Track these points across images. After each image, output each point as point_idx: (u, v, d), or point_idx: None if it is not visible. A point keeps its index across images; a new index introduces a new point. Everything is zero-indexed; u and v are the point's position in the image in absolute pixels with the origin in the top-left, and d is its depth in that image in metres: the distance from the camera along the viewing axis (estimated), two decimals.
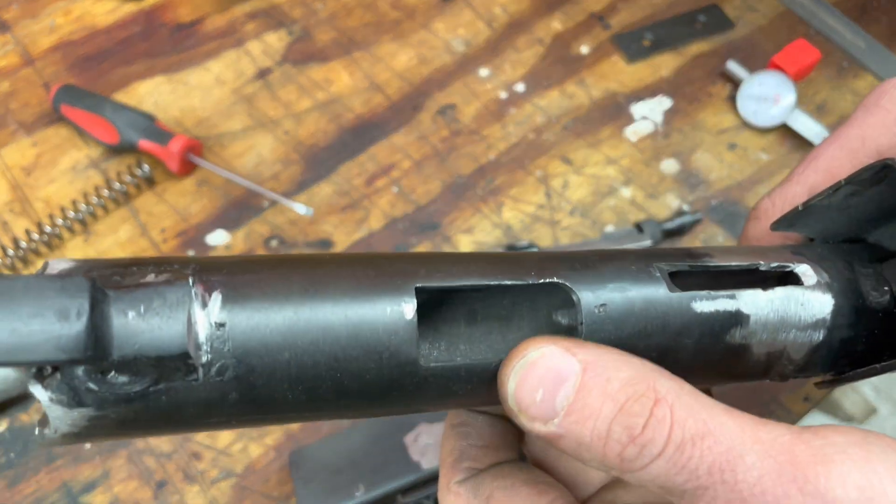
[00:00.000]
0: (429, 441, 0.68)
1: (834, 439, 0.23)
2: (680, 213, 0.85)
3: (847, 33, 0.97)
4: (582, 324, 0.28)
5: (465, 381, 0.27)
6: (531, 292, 0.31)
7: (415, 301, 0.26)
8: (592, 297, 0.28)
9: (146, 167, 0.85)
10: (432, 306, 0.31)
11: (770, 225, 0.35)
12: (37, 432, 0.24)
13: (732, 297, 0.30)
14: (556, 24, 0.99)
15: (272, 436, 0.73)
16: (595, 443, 0.26)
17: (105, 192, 0.84)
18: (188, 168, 0.87)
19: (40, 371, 0.22)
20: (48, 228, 0.82)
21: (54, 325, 0.20)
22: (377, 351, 0.25)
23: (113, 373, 0.23)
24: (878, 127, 0.35)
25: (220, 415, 0.25)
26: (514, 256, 0.29)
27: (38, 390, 0.22)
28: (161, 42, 0.97)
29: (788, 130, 0.90)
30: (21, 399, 0.74)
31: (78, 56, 0.96)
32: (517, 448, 0.37)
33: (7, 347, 0.20)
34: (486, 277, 0.28)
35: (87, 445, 0.72)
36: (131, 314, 0.22)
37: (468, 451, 0.35)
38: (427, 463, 0.67)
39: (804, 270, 0.31)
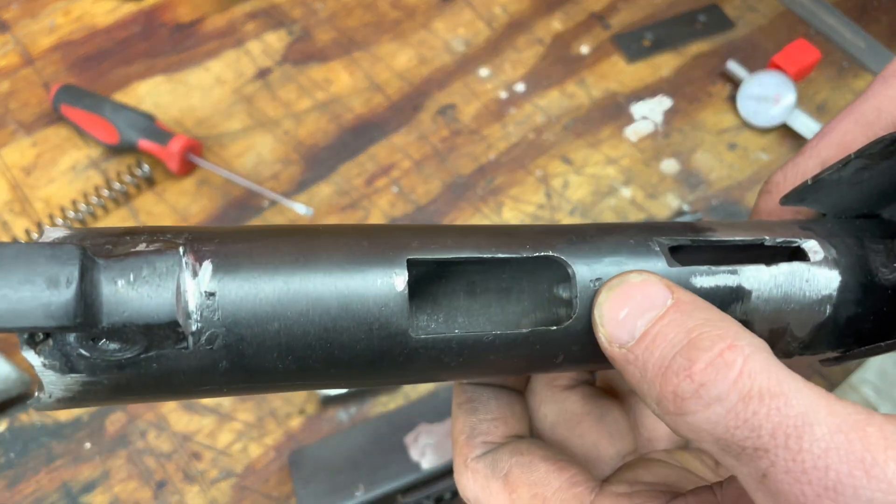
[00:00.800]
0: (429, 441, 0.68)
1: None
2: (680, 213, 0.85)
3: (847, 33, 0.97)
4: (577, 297, 0.28)
5: (456, 354, 0.27)
6: (531, 266, 0.31)
7: (406, 273, 0.26)
8: (588, 270, 0.28)
9: (146, 167, 0.85)
10: (432, 278, 0.31)
11: (780, 199, 0.34)
12: (34, 396, 0.24)
13: (734, 272, 0.29)
14: (556, 23, 0.99)
15: (272, 436, 0.73)
16: (655, 372, 0.25)
17: (105, 192, 0.84)
18: (188, 168, 0.87)
19: (32, 337, 0.23)
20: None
21: (44, 292, 0.21)
22: (367, 322, 0.25)
23: (104, 340, 0.23)
24: (895, 99, 0.33)
25: (212, 382, 0.25)
26: (511, 229, 0.29)
27: (30, 356, 0.23)
28: (161, 42, 0.97)
29: (788, 130, 0.90)
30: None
31: (78, 56, 0.96)
32: (527, 421, 0.36)
33: None
34: (480, 250, 0.28)
35: (87, 445, 0.72)
36: (121, 282, 0.22)
37: (479, 426, 0.34)
38: (427, 463, 0.67)
39: (811, 246, 0.31)
